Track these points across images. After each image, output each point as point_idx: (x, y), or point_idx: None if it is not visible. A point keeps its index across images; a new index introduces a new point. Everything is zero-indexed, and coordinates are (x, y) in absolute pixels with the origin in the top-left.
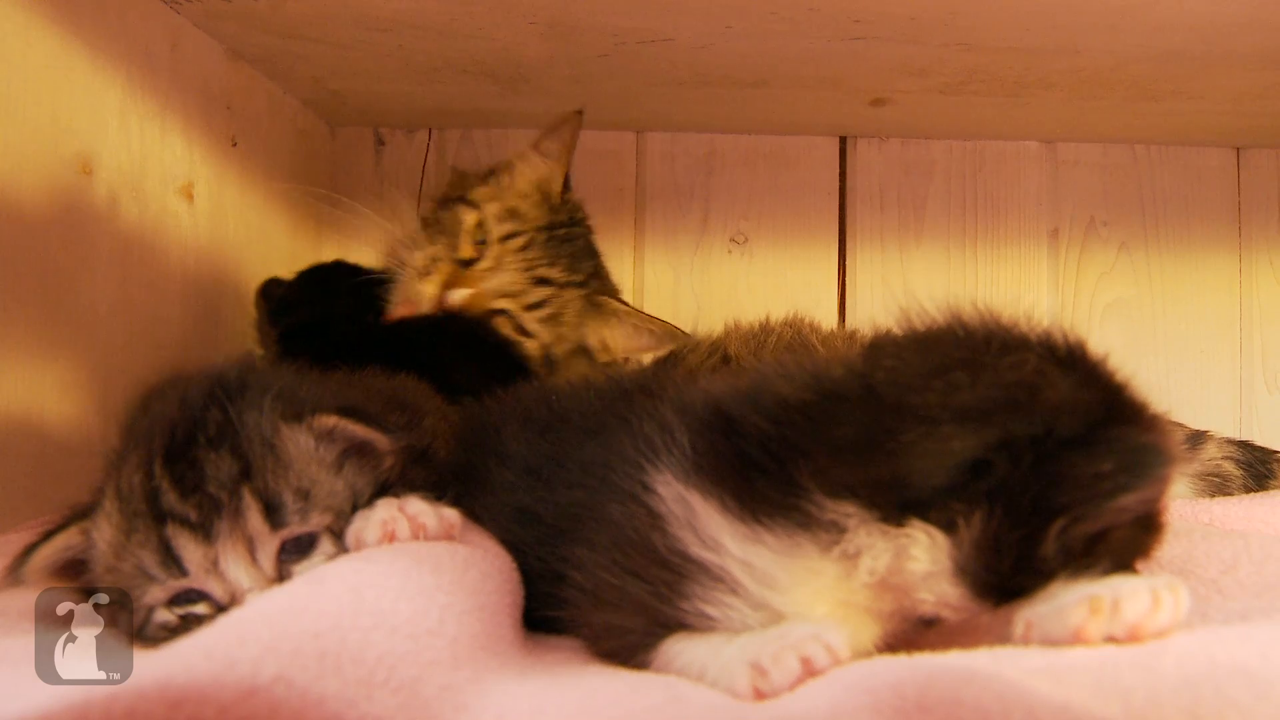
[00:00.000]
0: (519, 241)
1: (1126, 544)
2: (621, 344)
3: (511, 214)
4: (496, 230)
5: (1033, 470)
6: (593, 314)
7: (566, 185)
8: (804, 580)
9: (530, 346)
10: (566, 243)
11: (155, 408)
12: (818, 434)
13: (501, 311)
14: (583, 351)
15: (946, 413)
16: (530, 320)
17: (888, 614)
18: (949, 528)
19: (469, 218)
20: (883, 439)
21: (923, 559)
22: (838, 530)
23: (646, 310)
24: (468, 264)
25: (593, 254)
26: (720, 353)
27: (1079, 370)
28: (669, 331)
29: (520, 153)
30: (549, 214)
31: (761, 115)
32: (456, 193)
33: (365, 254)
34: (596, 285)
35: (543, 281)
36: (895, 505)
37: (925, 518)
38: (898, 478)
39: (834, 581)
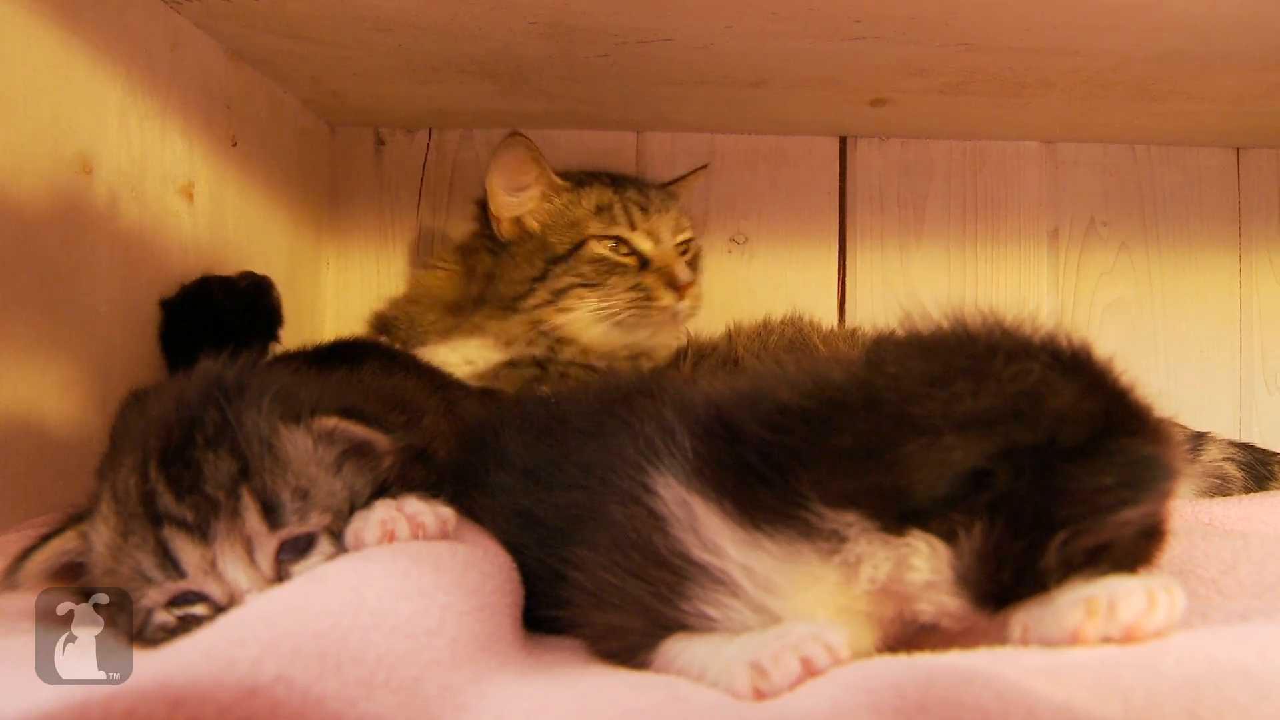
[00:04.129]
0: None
1: (1128, 552)
2: None
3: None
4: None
5: (1034, 482)
6: None
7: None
8: (804, 586)
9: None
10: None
11: (150, 410)
12: (818, 442)
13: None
14: None
15: (948, 422)
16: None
17: (888, 620)
18: (950, 538)
19: (604, 247)
20: (884, 448)
21: (923, 568)
22: (838, 539)
23: None
24: (645, 264)
25: None
26: (721, 353)
27: (1083, 377)
28: None
29: (507, 203)
30: (596, 205)
31: (761, 115)
32: (547, 256)
33: (365, 254)
34: None
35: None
36: (896, 515)
37: (926, 528)
38: (899, 488)
39: (834, 588)
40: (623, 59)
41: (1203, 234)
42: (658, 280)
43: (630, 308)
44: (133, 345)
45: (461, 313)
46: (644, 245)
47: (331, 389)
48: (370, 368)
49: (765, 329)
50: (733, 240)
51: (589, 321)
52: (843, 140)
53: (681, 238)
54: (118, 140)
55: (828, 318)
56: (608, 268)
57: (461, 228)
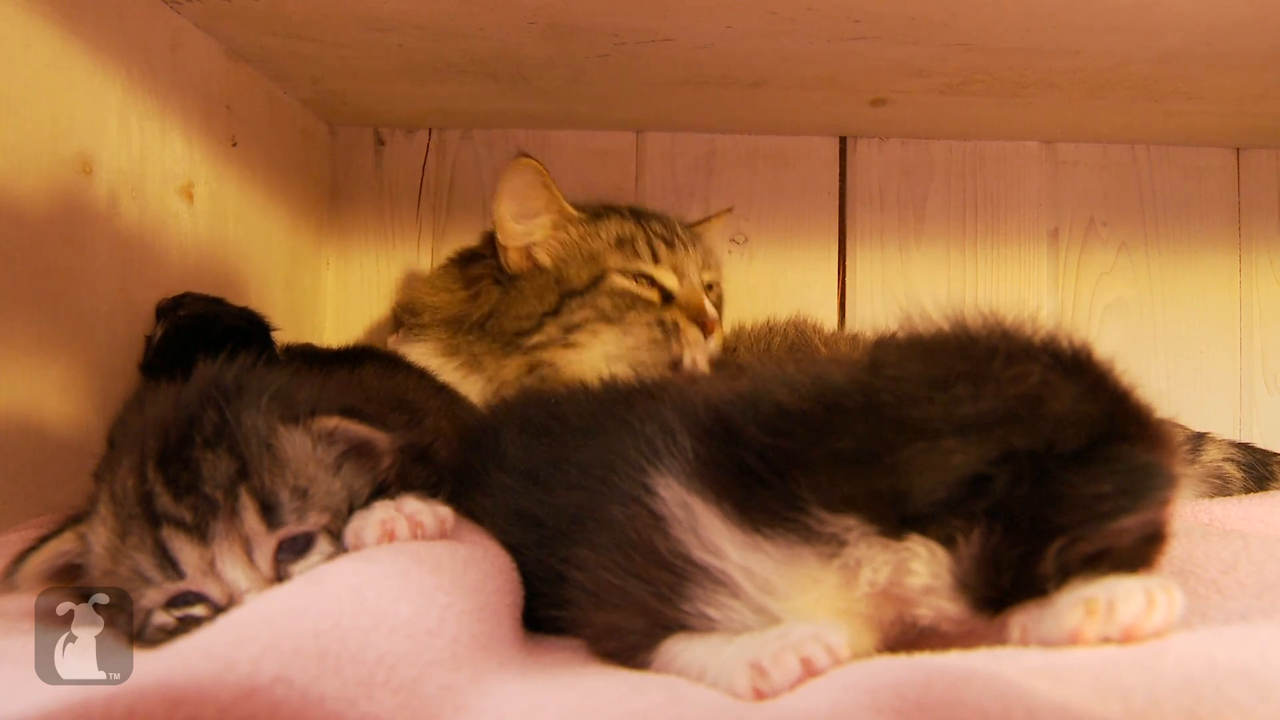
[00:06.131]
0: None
1: (1128, 556)
2: None
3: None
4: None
5: (1033, 488)
6: None
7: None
8: (804, 588)
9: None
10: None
11: (148, 411)
12: (817, 445)
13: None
14: None
15: (948, 426)
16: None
17: (888, 622)
18: (948, 543)
19: (636, 285)
20: (883, 452)
21: (922, 573)
22: (838, 543)
23: None
24: (668, 299)
25: None
26: (727, 353)
27: (1083, 380)
28: None
29: (515, 232)
30: (617, 234)
31: (761, 115)
32: (558, 291)
33: (365, 254)
34: None
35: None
36: (895, 519)
37: (925, 532)
38: (898, 492)
39: (834, 590)
40: (623, 59)
41: (1203, 234)
42: (682, 316)
43: (650, 345)
44: (133, 345)
45: (461, 331)
46: (669, 281)
47: (331, 389)
48: (371, 369)
49: (769, 330)
50: (733, 240)
51: (600, 360)
52: (843, 140)
53: (708, 277)
54: (118, 140)
55: (828, 318)
56: (628, 302)
57: (462, 229)
